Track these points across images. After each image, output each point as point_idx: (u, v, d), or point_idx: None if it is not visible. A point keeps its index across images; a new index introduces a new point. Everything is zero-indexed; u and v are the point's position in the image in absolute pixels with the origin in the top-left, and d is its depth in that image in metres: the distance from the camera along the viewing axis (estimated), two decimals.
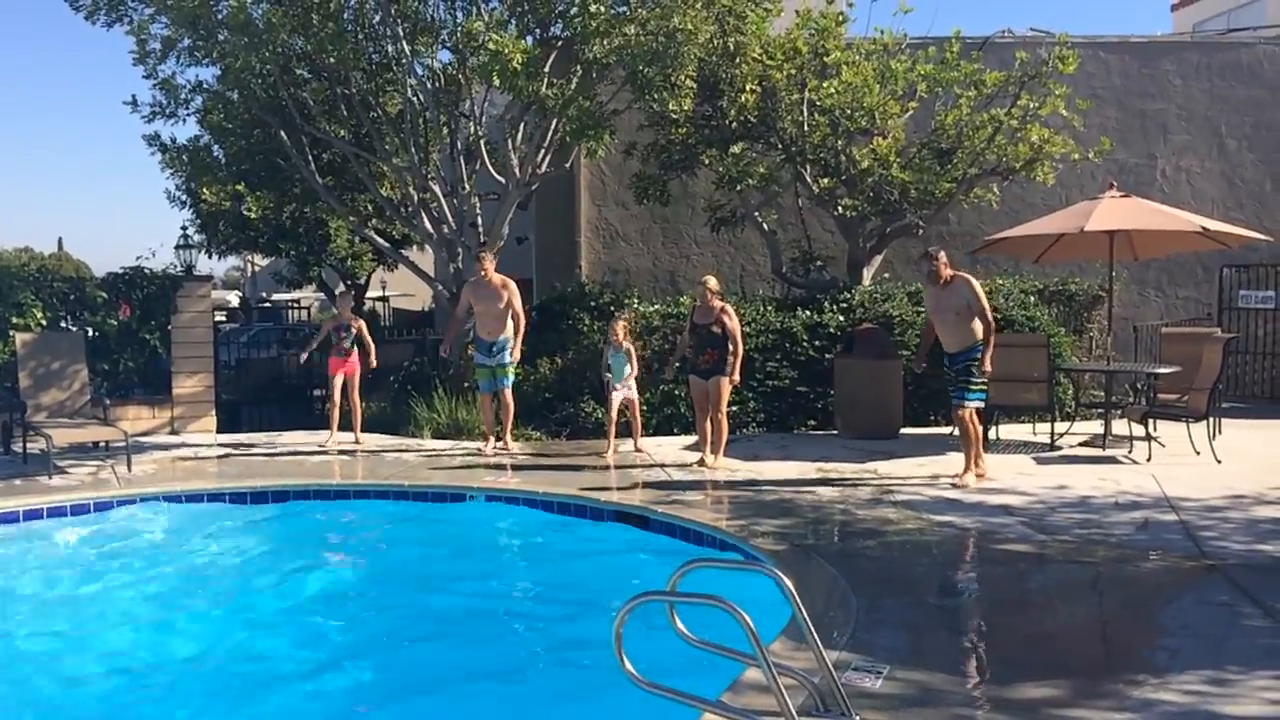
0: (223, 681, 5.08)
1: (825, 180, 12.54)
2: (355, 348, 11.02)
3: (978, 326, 8.28)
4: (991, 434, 10.41)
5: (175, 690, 5.00)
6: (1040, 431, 10.91)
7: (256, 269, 44.33)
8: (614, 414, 10.10)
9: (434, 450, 10.59)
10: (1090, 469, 9.11)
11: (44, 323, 11.42)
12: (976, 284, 8.39)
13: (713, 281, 9.42)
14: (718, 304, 9.35)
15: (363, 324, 11.32)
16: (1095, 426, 11.12)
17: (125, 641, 5.64)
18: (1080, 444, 10.41)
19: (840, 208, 12.41)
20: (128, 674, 5.17)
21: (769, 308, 12.24)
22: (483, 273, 10.19)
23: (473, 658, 5.35)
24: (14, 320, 11.21)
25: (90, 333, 11.70)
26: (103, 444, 10.19)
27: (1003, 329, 11.71)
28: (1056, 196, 14.88)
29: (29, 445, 9.93)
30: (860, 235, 13.09)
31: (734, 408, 11.55)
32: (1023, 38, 15.96)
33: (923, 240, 13.29)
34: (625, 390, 10.19)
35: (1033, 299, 12.64)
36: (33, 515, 7.93)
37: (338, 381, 10.96)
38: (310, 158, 12.89)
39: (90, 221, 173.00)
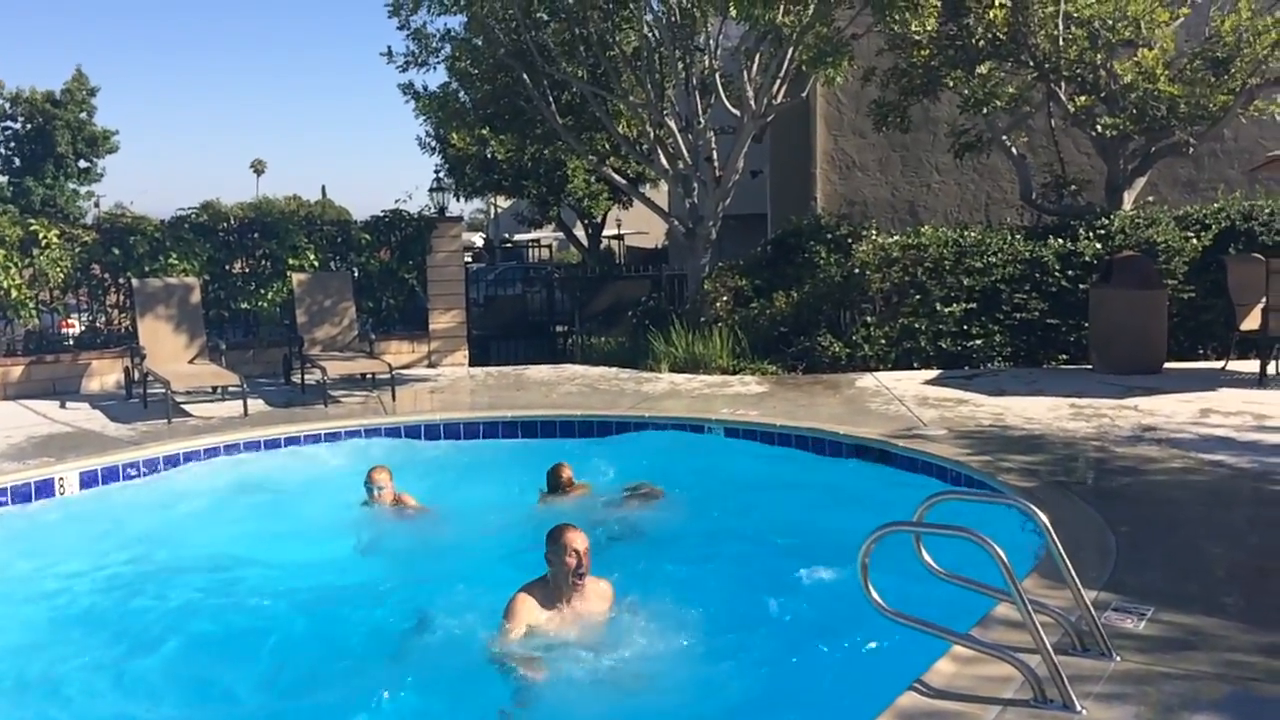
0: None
1: (1082, 98, 11.72)
2: None
3: None
4: (1271, 368, 9.56)
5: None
6: None
7: (499, 210, 46.14)
8: None
9: (672, 383, 10.79)
10: None
11: (316, 264, 12.35)
12: None
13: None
14: None
15: None
16: None
17: None
18: None
19: (1099, 127, 11.59)
20: None
21: (1017, 236, 11.65)
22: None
23: (715, 584, 5.45)
24: (290, 261, 12.18)
25: (356, 272, 12.58)
26: (369, 375, 10.97)
27: None
28: None
29: (306, 377, 10.84)
30: (1121, 156, 12.19)
31: (978, 341, 11.15)
32: None
33: (1193, 160, 12.25)
34: None
35: None
36: (312, 439, 8.65)
37: None
38: (550, 99, 13.24)
39: (349, 170, 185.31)
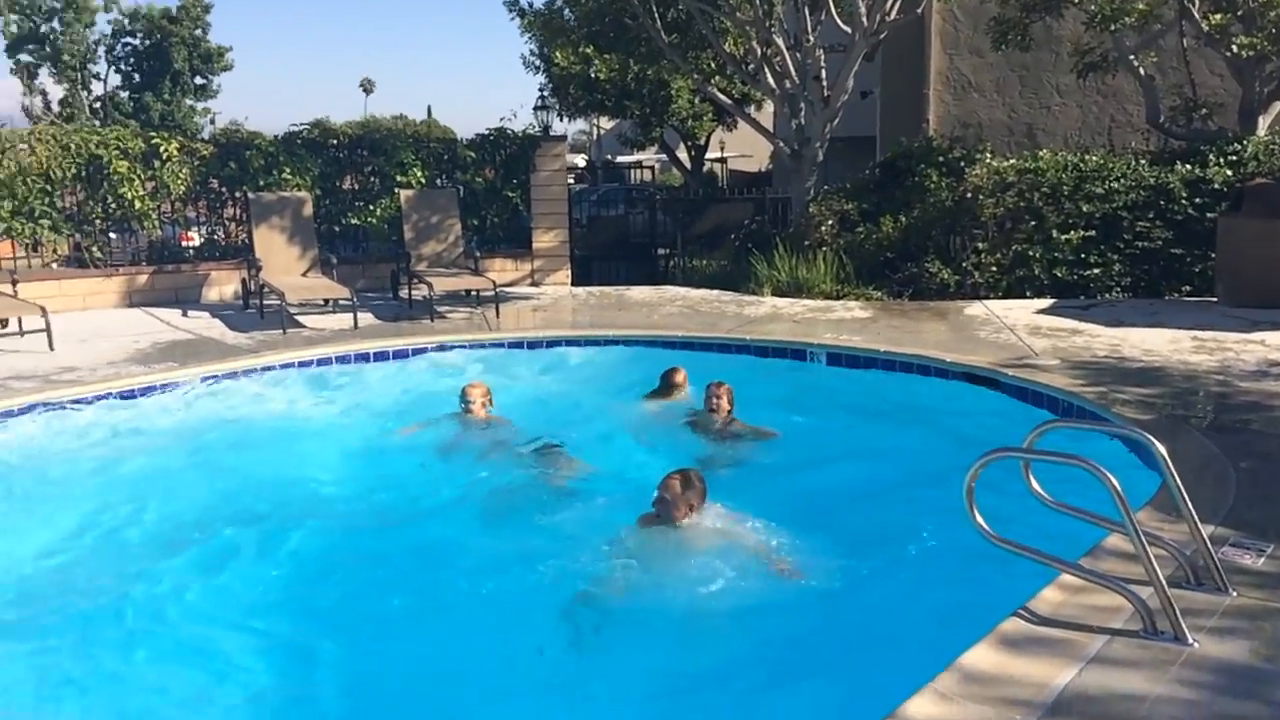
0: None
1: (1217, 16, 11.07)
2: None
3: None
4: None
5: None
6: None
7: (601, 132, 45.92)
8: None
9: (774, 307, 10.70)
10: None
11: (423, 181, 12.50)
12: None
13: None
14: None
15: None
16: None
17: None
18: None
19: (1234, 47, 10.96)
20: None
21: (1142, 162, 11.15)
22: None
23: (817, 511, 5.42)
24: (397, 178, 12.35)
25: (461, 190, 12.69)
26: (474, 292, 11.12)
27: None
28: None
29: (413, 292, 11.04)
30: (1257, 78, 11.53)
31: (1096, 270, 10.78)
32: None
33: None
34: None
35: None
36: (419, 353, 8.85)
37: None
38: (655, 15, 13.02)
39: (454, 90, 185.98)
